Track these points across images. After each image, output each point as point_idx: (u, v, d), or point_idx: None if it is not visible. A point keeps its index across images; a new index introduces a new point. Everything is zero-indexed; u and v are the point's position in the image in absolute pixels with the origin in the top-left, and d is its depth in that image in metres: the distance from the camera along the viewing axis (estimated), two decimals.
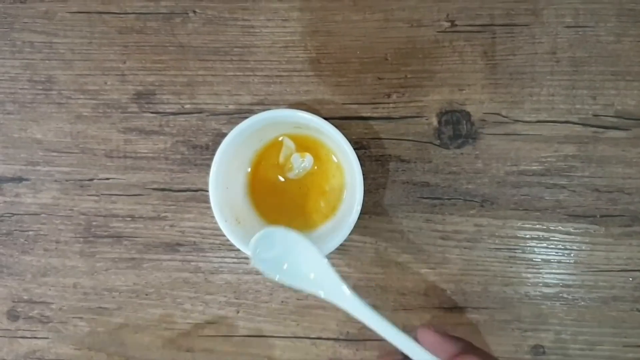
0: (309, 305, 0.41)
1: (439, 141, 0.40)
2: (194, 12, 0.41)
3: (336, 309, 0.41)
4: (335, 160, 0.39)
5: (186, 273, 0.42)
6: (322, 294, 0.32)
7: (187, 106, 0.41)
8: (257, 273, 0.41)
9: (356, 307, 0.31)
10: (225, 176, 0.37)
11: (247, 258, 0.41)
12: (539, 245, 0.40)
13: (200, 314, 0.42)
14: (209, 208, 0.36)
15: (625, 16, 0.39)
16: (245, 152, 0.39)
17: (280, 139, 0.39)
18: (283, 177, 0.40)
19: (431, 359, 0.29)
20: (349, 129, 0.40)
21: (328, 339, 0.41)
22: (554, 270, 0.40)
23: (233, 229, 0.36)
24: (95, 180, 0.42)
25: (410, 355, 0.30)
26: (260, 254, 0.33)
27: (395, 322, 0.30)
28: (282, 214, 0.39)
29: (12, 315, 0.43)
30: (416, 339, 0.30)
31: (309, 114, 0.35)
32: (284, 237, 0.33)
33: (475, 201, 0.40)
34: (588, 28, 0.39)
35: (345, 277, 0.40)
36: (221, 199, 0.36)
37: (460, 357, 0.30)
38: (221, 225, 0.36)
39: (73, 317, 0.43)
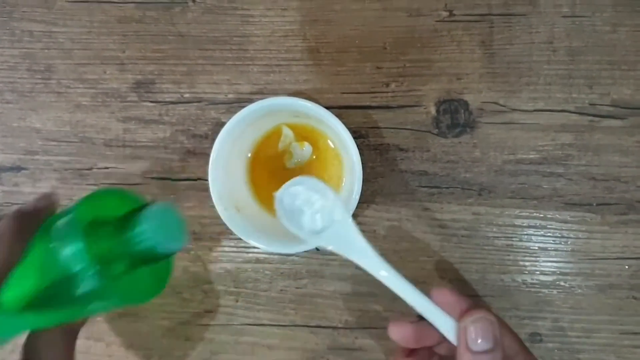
0: (308, 294, 0.41)
1: (437, 130, 0.40)
2: (194, 1, 0.41)
3: (335, 298, 0.41)
4: (334, 149, 0.39)
5: (185, 262, 0.42)
6: (338, 250, 0.32)
7: (187, 95, 0.41)
8: (257, 262, 0.42)
9: (374, 264, 0.32)
10: (225, 164, 0.37)
11: (246, 247, 0.41)
12: (536, 233, 0.40)
13: (199, 303, 0.42)
14: (208, 197, 0.36)
15: (622, 6, 0.40)
16: (245, 140, 0.39)
17: (279, 127, 0.39)
18: (282, 166, 0.40)
19: (445, 318, 0.30)
20: (348, 118, 0.41)
21: (327, 327, 0.41)
22: (551, 258, 0.40)
23: (232, 217, 0.36)
24: (94, 170, 0.42)
25: (424, 313, 0.30)
26: (285, 205, 0.32)
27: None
28: None
29: None
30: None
31: (309, 102, 0.35)
32: (311, 187, 0.32)
33: (473, 190, 0.40)
34: (585, 18, 0.40)
35: (344, 266, 0.41)
36: (221, 187, 0.36)
37: (469, 312, 0.30)
38: (221, 213, 0.36)
39: None
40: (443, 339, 0.31)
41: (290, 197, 0.33)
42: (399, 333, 0.33)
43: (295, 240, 0.36)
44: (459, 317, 0.30)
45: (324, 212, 0.32)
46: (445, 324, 0.30)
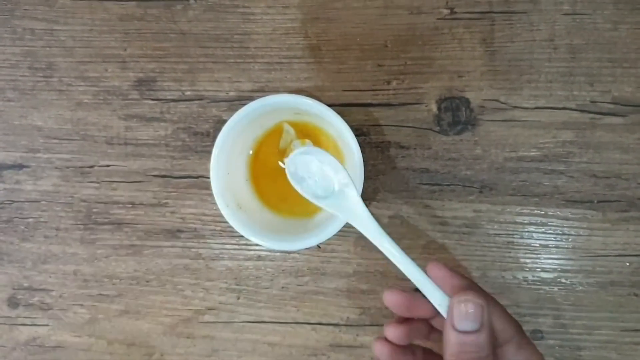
0: (309, 291, 0.41)
1: (438, 127, 0.41)
2: None
3: (336, 295, 0.41)
4: (335, 147, 0.39)
5: (187, 260, 0.42)
6: (342, 216, 0.33)
7: (188, 93, 0.42)
8: (258, 259, 0.42)
9: (376, 234, 0.32)
10: (227, 162, 0.37)
11: (247, 244, 0.42)
12: (537, 230, 0.40)
13: (200, 300, 0.42)
14: (210, 195, 0.36)
15: (622, 4, 0.40)
16: (246, 138, 0.39)
17: (280, 125, 0.39)
18: (284, 163, 0.40)
19: (438, 292, 0.30)
20: (349, 116, 0.41)
21: (328, 324, 0.41)
22: (552, 256, 0.40)
23: (234, 214, 0.36)
24: (95, 167, 0.42)
25: (418, 285, 0.31)
26: (296, 171, 0.34)
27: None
28: (283, 200, 0.40)
29: (12, 303, 0.43)
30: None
31: (310, 99, 0.35)
32: (320, 158, 0.33)
33: (474, 187, 0.41)
34: (585, 15, 0.40)
35: (345, 263, 0.41)
36: (222, 184, 0.36)
37: (463, 291, 0.30)
38: (223, 210, 0.36)
39: (73, 304, 0.43)
40: (436, 312, 0.30)
41: (300, 163, 0.34)
42: (393, 300, 0.33)
43: (296, 238, 0.36)
44: (453, 293, 0.30)
45: (329, 181, 0.33)
46: (437, 297, 0.30)
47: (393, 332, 0.32)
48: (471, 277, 0.41)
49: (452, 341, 0.28)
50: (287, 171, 0.33)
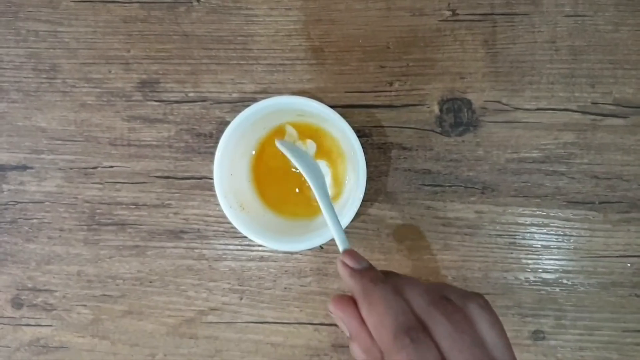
0: (312, 292, 0.42)
1: (440, 129, 0.41)
2: (198, 1, 0.41)
3: None
4: (338, 148, 0.40)
5: (190, 260, 0.42)
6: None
7: (191, 94, 0.42)
8: (261, 260, 0.42)
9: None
10: (230, 163, 0.37)
11: (250, 245, 0.42)
12: (538, 231, 0.41)
13: (203, 301, 0.42)
14: (213, 196, 0.36)
15: (624, 5, 0.40)
16: (249, 139, 0.39)
17: (283, 126, 0.40)
18: (286, 165, 0.40)
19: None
20: (352, 117, 0.41)
21: (330, 324, 0.42)
22: (553, 256, 0.41)
23: (237, 215, 0.37)
24: (99, 168, 0.42)
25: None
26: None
27: None
28: (285, 201, 0.40)
29: (16, 303, 0.43)
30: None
31: (313, 100, 0.35)
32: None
33: (476, 188, 0.41)
34: (587, 17, 0.40)
35: None
36: (226, 185, 0.37)
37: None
38: (226, 211, 0.36)
39: (77, 305, 0.43)
40: None
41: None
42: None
43: (299, 239, 0.36)
44: None
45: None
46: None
47: None
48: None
49: None
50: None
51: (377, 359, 0.27)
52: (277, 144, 0.38)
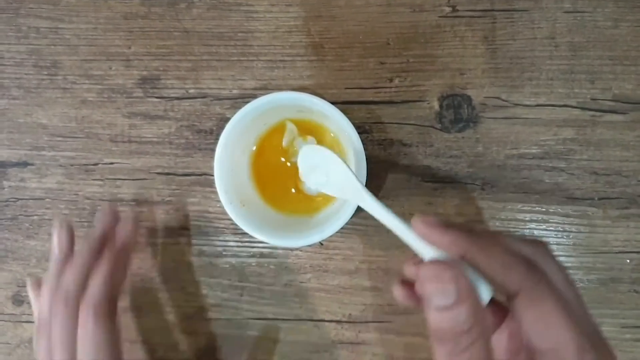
0: (312, 288, 0.42)
1: (440, 125, 0.41)
2: None
3: (339, 292, 0.42)
4: (338, 144, 0.40)
5: (190, 257, 0.42)
6: (344, 197, 0.34)
7: (192, 91, 0.42)
8: (261, 256, 0.42)
9: (375, 208, 0.31)
10: (230, 159, 0.37)
11: (250, 241, 0.42)
12: (538, 227, 0.41)
13: (204, 297, 0.42)
14: (213, 192, 0.36)
15: (623, 1, 0.40)
16: (249, 135, 0.39)
17: (283, 123, 0.40)
18: (286, 161, 0.40)
19: (435, 254, 0.27)
20: (352, 114, 0.41)
21: (330, 321, 0.42)
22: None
23: (238, 211, 0.37)
24: (100, 165, 0.42)
25: (411, 245, 0.28)
26: (304, 163, 0.36)
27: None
28: (285, 197, 0.40)
29: (17, 300, 0.43)
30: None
31: (313, 96, 0.35)
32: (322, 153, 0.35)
33: (476, 184, 0.41)
34: (586, 13, 0.40)
35: (347, 260, 0.41)
36: (226, 181, 0.37)
37: (431, 262, 0.26)
38: (226, 207, 0.36)
39: None
40: None
41: (308, 158, 0.36)
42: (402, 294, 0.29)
43: (299, 235, 0.36)
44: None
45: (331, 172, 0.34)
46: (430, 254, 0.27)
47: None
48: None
49: (429, 319, 0.24)
50: (300, 165, 0.35)
51: (485, 320, 0.24)
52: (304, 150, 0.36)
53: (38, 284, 0.37)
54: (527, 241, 0.27)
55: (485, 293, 0.25)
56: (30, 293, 0.38)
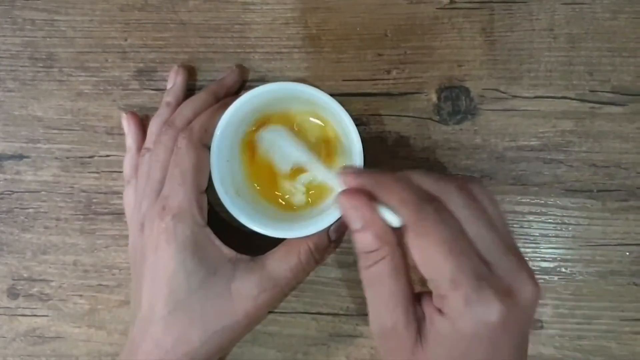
0: (309, 281, 0.41)
1: (438, 117, 0.41)
2: None
3: (336, 285, 0.41)
4: (335, 136, 0.39)
5: None
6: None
7: (188, 83, 0.41)
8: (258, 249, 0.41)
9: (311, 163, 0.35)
10: (226, 150, 0.37)
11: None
12: (536, 219, 0.40)
13: None
14: (209, 185, 0.36)
15: None
16: (245, 126, 0.39)
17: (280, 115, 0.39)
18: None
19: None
20: (349, 105, 0.40)
21: (328, 314, 0.41)
22: (551, 245, 0.41)
23: (234, 201, 0.36)
24: (95, 158, 0.42)
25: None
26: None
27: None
28: (278, 190, 0.40)
29: (12, 293, 0.43)
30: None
31: (311, 87, 0.35)
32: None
33: (474, 176, 0.41)
34: (585, 5, 0.40)
35: (345, 253, 0.41)
36: (222, 171, 0.36)
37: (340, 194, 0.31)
38: (222, 198, 0.36)
39: (73, 295, 0.43)
40: None
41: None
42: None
43: (295, 226, 0.36)
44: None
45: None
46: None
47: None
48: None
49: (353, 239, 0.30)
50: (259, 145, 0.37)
51: (391, 242, 0.29)
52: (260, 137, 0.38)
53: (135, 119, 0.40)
54: (443, 178, 0.29)
55: (395, 221, 0.28)
56: (126, 127, 0.40)
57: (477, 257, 0.27)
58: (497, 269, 0.27)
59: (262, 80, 0.41)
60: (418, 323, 0.28)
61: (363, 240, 0.29)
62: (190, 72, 0.41)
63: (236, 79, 0.40)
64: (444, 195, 0.28)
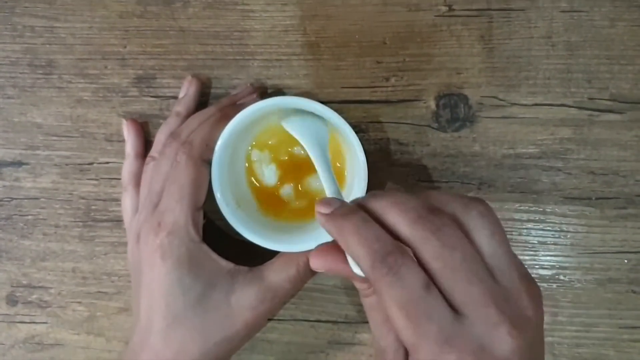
0: (308, 288, 0.41)
1: (437, 124, 0.41)
2: None
3: (335, 292, 0.41)
4: (337, 146, 0.39)
5: None
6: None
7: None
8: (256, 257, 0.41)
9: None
10: (227, 160, 0.37)
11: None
12: (535, 227, 0.41)
13: None
14: (208, 193, 0.36)
15: (620, 1, 0.40)
16: (247, 136, 0.39)
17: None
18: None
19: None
20: (348, 113, 0.41)
21: (327, 321, 0.41)
22: (550, 253, 0.41)
23: (234, 212, 0.36)
24: (95, 164, 0.42)
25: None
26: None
27: None
28: (281, 199, 0.40)
29: (11, 300, 0.43)
30: None
31: (312, 101, 0.34)
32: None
33: (473, 184, 0.41)
34: (583, 12, 0.40)
35: None
36: (223, 182, 0.36)
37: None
38: (222, 209, 0.36)
39: (72, 302, 0.43)
40: None
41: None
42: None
43: (296, 240, 0.36)
44: None
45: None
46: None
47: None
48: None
49: None
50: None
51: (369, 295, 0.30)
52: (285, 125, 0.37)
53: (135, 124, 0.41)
54: (422, 218, 0.25)
55: (361, 273, 0.27)
56: (125, 133, 0.41)
57: (444, 315, 0.24)
58: (470, 324, 0.24)
59: (261, 88, 0.41)
60: (406, 350, 0.29)
61: (352, 280, 0.30)
62: (204, 83, 0.41)
63: (248, 96, 0.40)
64: (416, 243, 0.25)
